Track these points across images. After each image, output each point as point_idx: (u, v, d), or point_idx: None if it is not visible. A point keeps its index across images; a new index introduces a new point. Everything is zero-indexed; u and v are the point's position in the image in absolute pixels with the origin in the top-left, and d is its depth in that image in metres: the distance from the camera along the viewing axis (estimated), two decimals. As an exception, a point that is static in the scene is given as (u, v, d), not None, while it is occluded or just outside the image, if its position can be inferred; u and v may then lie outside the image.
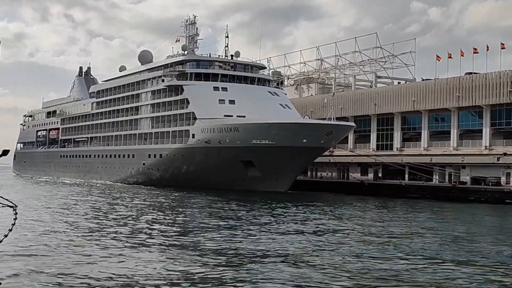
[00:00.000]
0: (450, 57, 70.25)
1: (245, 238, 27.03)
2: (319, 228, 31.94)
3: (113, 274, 18.29)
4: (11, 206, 10.83)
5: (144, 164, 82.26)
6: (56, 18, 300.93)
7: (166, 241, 25.80)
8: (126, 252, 22.22)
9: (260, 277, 18.25)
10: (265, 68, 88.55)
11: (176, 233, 29.03)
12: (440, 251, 24.20)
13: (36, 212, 38.00)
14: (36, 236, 26.01)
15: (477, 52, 67.44)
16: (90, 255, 21.41)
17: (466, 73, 67.20)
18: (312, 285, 17.42)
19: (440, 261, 21.84)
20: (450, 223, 37.42)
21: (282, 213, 40.71)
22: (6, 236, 10.71)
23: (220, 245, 24.48)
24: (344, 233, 30.08)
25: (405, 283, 17.90)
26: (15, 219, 10.73)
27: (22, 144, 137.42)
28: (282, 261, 20.98)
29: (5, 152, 11.09)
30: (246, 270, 19.32)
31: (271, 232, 29.50)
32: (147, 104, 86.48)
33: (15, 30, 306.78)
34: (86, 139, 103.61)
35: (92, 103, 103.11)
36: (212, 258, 21.32)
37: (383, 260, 21.61)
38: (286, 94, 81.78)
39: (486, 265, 21.15)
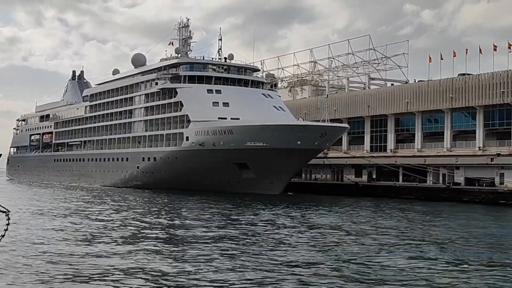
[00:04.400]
0: (442, 59, 70.31)
1: (242, 243, 26.91)
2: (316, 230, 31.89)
3: (105, 281, 18.15)
4: (3, 211, 10.67)
5: (138, 167, 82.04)
6: (49, 22, 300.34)
7: (159, 247, 25.64)
8: (118, 260, 21.95)
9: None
10: (259, 70, 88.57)
11: (169, 239, 28.90)
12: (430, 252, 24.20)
13: (29, 217, 37.63)
14: (29, 242, 25.72)
15: (467, 54, 67.49)
16: (81, 261, 21.24)
17: (459, 74, 67.33)
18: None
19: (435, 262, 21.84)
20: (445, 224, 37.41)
21: (277, 217, 40.60)
22: (-2, 242, 10.55)
23: (217, 250, 24.38)
24: (337, 236, 30.03)
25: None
26: (8, 224, 10.57)
27: (15, 148, 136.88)
28: (285, 267, 20.88)
29: None
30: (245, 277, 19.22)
31: (269, 237, 29.42)
32: (140, 107, 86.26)
33: (8, 34, 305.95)
34: (80, 143, 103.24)
35: (86, 106, 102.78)
36: (204, 264, 21.21)
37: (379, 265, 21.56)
38: (280, 97, 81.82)
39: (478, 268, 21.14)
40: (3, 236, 10.58)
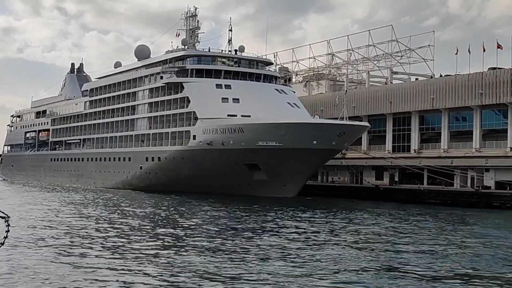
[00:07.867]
0: (470, 52, 69.86)
1: (254, 253, 27.17)
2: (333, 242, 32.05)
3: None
4: (3, 217, 10.87)
5: (141, 167, 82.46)
6: (47, 11, 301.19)
7: (163, 256, 25.93)
8: (121, 267, 22.25)
9: None
10: (272, 63, 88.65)
11: (174, 248, 29.16)
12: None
13: (29, 223, 37.91)
14: (30, 250, 26.01)
15: (501, 47, 67.19)
16: (83, 270, 21.59)
17: (490, 68, 67.08)
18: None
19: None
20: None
21: (291, 224, 40.80)
22: (-2, 250, 10.77)
23: (228, 259, 24.63)
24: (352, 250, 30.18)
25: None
26: (8, 231, 10.77)
27: (9, 147, 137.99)
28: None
29: None
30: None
31: (282, 247, 29.64)
32: (144, 103, 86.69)
33: (3, 24, 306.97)
34: (79, 141, 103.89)
35: (85, 102, 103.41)
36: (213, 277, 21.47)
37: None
38: (294, 92, 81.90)
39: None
40: (2, 244, 10.77)
